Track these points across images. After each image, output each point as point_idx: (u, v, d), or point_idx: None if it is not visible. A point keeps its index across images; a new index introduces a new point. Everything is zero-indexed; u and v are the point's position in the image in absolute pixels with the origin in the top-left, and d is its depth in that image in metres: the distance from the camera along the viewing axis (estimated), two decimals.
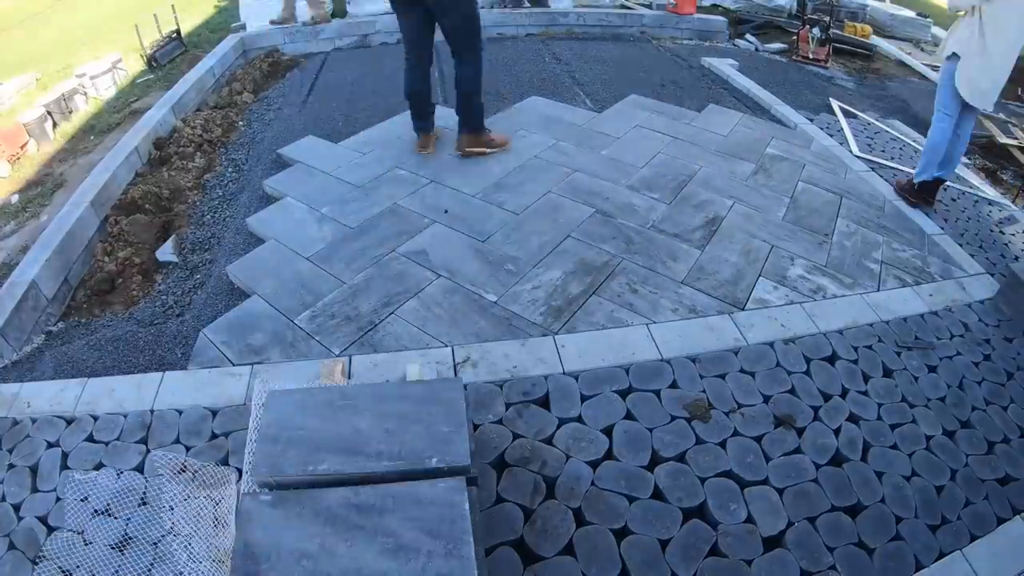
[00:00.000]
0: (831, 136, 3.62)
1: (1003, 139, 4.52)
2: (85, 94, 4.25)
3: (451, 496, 1.13)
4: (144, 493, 1.52)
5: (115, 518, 1.47)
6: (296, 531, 1.10)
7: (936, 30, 7.56)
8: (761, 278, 2.28)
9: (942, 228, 2.79)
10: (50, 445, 1.67)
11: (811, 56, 5.79)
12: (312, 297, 2.13)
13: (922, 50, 7.12)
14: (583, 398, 1.74)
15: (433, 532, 1.08)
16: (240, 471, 1.43)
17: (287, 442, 1.24)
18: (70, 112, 4.08)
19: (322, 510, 1.13)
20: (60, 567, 1.38)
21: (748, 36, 6.33)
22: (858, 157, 3.40)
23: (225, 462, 1.57)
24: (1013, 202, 3.48)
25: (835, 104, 4.28)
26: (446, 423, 1.26)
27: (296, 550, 1.07)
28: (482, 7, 5.62)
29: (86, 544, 1.42)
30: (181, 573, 1.33)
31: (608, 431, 1.65)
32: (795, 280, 2.30)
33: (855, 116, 4.14)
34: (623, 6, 6.20)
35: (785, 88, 4.52)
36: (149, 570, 1.36)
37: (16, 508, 1.55)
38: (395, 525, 1.10)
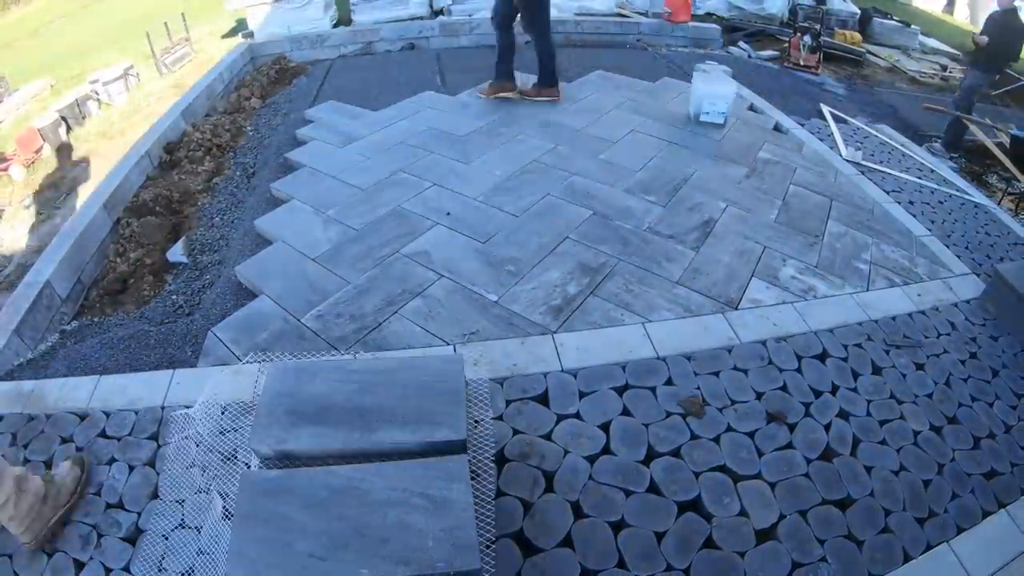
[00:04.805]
0: (822, 140, 3.69)
1: (988, 143, 4.58)
2: (98, 100, 4.32)
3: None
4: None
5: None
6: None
7: (923, 39, 7.67)
8: (754, 278, 2.33)
9: (929, 230, 2.85)
10: (64, 440, 1.71)
11: (802, 63, 5.88)
12: (318, 297, 2.18)
13: (909, 56, 7.22)
14: (581, 395, 1.78)
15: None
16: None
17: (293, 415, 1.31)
18: (83, 117, 4.15)
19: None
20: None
21: (741, 43, 6.43)
22: (848, 161, 3.46)
23: (233, 457, 1.61)
24: (999, 204, 3.55)
25: (825, 109, 4.35)
26: (444, 399, 1.33)
27: None
28: None
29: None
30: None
31: (605, 427, 1.69)
32: (787, 280, 2.35)
33: (845, 121, 4.21)
34: (620, 15, 6.29)
35: (777, 94, 4.60)
36: None
37: None
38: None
